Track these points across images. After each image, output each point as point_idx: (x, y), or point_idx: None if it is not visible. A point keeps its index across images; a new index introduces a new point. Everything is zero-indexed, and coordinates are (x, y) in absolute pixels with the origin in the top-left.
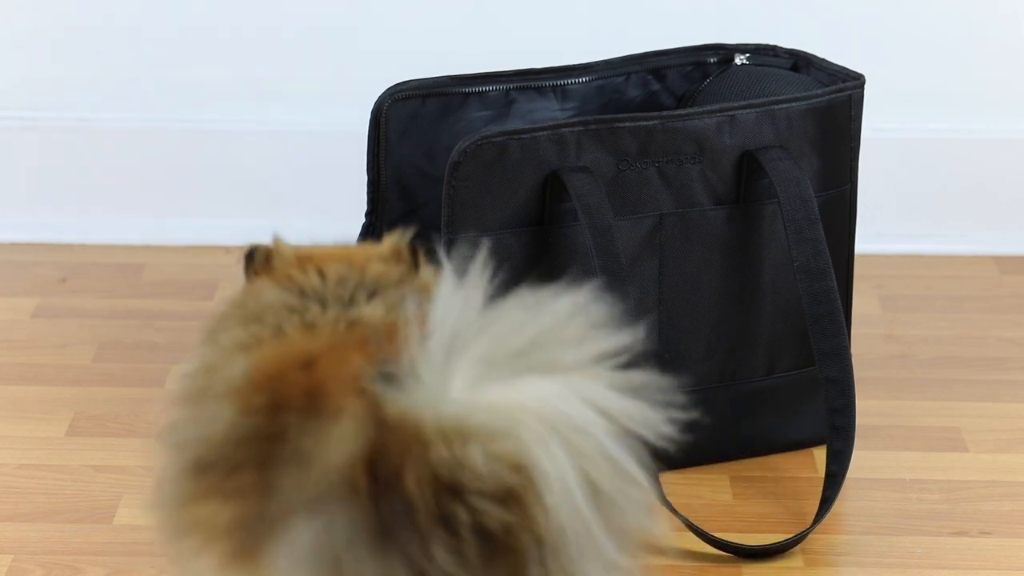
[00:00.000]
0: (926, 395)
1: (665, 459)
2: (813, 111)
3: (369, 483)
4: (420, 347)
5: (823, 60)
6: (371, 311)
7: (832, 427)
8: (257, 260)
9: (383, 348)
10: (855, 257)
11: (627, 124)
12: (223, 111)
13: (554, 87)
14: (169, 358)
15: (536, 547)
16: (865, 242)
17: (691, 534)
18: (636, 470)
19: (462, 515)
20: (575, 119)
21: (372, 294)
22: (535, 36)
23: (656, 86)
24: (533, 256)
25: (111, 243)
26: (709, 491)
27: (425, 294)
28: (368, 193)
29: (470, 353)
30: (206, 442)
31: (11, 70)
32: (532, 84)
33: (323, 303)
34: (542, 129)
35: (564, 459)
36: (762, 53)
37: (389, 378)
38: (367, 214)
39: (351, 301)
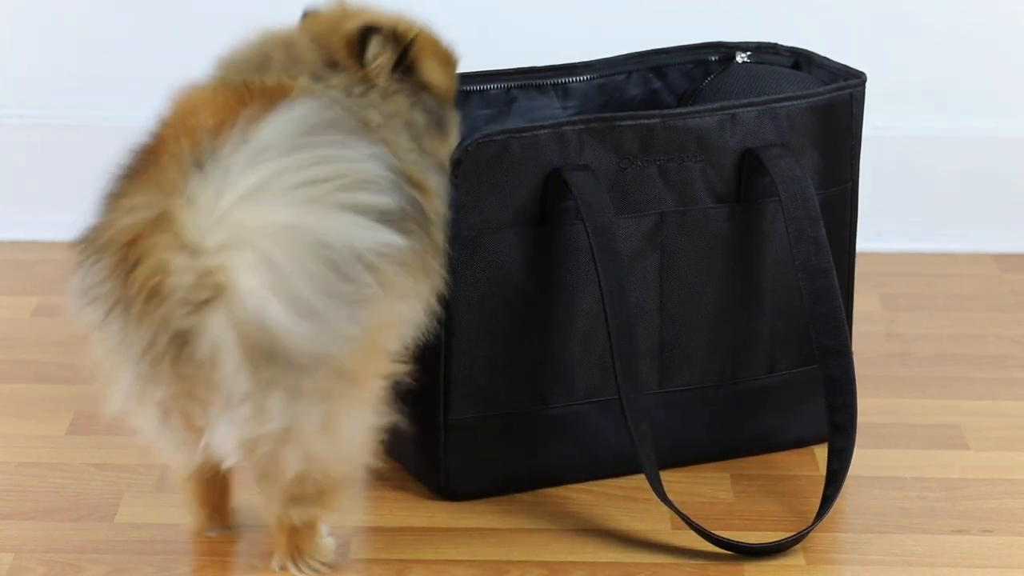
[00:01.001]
0: (927, 393)
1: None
2: (814, 109)
3: (122, 252)
4: (226, 147)
5: (824, 58)
6: (267, 78)
7: (833, 425)
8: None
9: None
10: (856, 255)
11: (628, 122)
12: None
13: (555, 85)
14: None
15: (210, 348)
16: (866, 240)
17: (692, 532)
18: (343, 285)
19: (160, 311)
20: (576, 117)
21: (291, 65)
22: (535, 35)
23: (657, 84)
24: (534, 254)
25: None
26: (710, 489)
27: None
28: None
29: (253, 173)
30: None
31: (11, 70)
32: (533, 82)
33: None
34: (543, 127)
35: (264, 279)
36: (763, 51)
37: (198, 165)
38: None
39: (267, 68)
